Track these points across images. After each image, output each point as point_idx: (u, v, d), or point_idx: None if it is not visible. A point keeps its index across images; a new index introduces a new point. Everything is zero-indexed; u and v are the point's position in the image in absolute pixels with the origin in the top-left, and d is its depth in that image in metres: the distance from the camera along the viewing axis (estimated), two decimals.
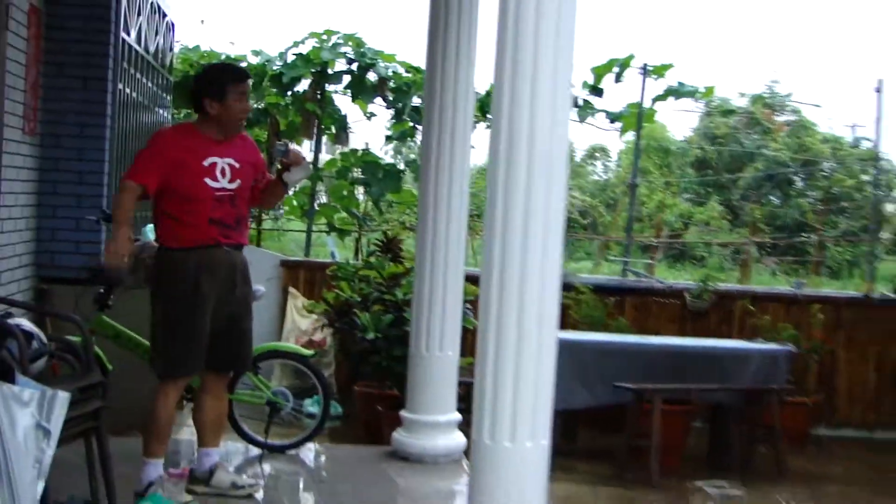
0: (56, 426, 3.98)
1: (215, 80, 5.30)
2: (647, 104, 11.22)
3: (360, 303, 8.03)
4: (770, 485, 8.16)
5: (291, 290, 10.31)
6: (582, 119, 11.01)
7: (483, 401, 4.03)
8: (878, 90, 15.90)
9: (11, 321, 4.60)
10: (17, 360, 4.21)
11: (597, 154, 29.64)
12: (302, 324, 10.18)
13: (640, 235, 20.54)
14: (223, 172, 5.24)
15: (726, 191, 25.27)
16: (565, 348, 8.33)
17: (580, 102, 11.03)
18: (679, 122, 43.18)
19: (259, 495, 5.57)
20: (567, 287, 10.18)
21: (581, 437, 9.25)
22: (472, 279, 6.13)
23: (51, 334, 5.39)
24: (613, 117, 11.41)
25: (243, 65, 11.11)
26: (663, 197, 25.85)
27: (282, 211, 13.73)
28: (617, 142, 30.17)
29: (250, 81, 5.47)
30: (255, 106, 11.40)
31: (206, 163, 5.19)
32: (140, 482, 5.16)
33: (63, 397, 4.01)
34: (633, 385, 8.13)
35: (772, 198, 24.42)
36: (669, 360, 8.58)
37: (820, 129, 25.91)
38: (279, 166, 5.52)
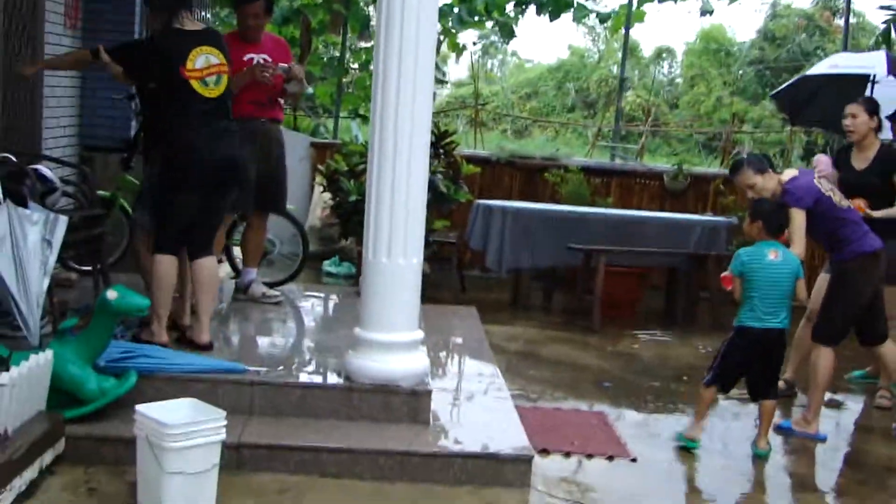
0: (57, 240, 5.28)
1: None
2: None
3: (348, 172, 9.41)
4: (701, 335, 9.43)
5: (319, 167, 11.73)
6: (577, 20, 12.07)
7: (369, 227, 5.47)
8: None
9: (35, 167, 6.09)
10: (31, 192, 5.62)
11: (663, 55, 30.30)
12: (326, 196, 11.63)
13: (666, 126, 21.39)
14: None
15: None
16: (538, 217, 9.72)
17: (575, 5, 12.08)
18: (745, 25, 43.18)
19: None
20: (559, 167, 11.52)
21: (557, 298, 10.63)
22: None
23: (68, 178, 6.87)
24: (603, 18, 12.49)
25: None
26: (720, 94, 26.61)
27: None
28: (681, 44, 30.66)
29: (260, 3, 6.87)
30: (290, 4, 12.73)
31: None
32: None
33: (63, 219, 5.36)
34: (582, 246, 9.45)
35: None
36: (622, 228, 9.83)
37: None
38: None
